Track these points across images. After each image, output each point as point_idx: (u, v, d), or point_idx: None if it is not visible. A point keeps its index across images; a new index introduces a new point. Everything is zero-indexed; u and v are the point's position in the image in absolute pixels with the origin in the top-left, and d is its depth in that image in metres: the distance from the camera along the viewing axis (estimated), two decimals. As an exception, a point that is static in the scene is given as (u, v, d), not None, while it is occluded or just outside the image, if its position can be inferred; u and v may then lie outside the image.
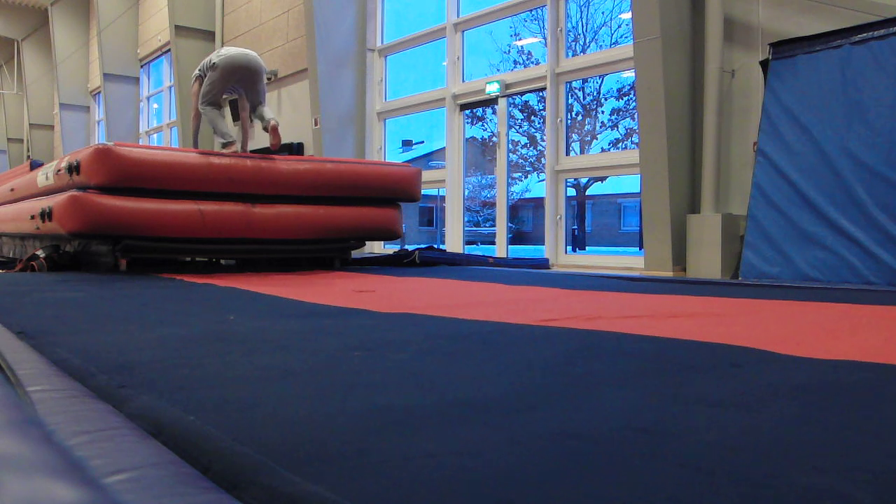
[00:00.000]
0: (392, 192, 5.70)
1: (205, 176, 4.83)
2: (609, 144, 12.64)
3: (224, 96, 5.48)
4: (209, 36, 11.66)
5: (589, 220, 21.39)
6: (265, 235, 5.10)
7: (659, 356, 1.61)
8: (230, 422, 0.98)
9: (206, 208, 4.82)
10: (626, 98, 12.04)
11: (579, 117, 12.53)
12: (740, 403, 1.12)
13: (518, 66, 11.32)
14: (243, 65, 5.24)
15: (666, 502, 0.70)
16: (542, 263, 6.22)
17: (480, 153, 16.73)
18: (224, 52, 5.32)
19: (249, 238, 5.06)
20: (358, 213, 5.50)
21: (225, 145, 5.28)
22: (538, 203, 11.48)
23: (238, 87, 5.37)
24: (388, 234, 5.92)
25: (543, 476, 0.77)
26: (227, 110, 5.49)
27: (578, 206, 18.57)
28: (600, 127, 13.32)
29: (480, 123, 15.73)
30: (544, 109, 7.08)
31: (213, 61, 5.24)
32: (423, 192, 6.08)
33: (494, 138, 8.44)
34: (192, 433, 0.92)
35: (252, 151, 5.37)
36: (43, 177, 5.32)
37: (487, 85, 7.44)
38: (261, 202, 5.08)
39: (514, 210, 19.49)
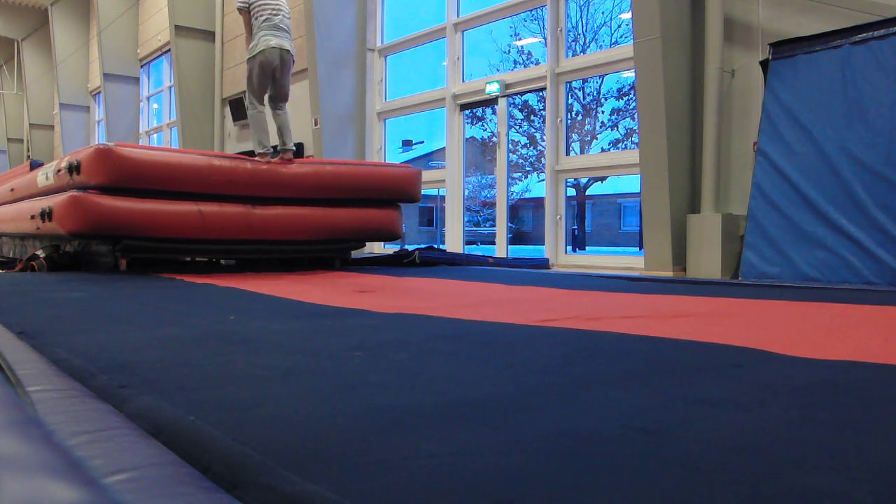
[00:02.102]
0: (392, 193, 5.70)
1: (205, 177, 4.82)
2: (609, 144, 12.65)
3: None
4: (209, 36, 11.67)
5: (589, 220, 21.39)
6: (265, 237, 5.10)
7: (659, 356, 1.61)
8: (230, 422, 0.98)
9: (207, 209, 4.82)
10: (626, 98, 12.05)
11: (579, 117, 12.54)
12: (740, 403, 1.12)
13: (518, 66, 11.33)
14: (276, 61, 5.17)
15: (666, 502, 0.70)
16: (542, 263, 6.22)
17: (480, 153, 16.73)
18: (258, 38, 5.16)
19: (249, 239, 5.06)
20: (358, 214, 5.50)
21: (260, 154, 5.23)
22: (538, 203, 11.48)
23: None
24: (389, 235, 5.92)
25: (543, 476, 0.77)
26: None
27: (578, 206, 18.58)
28: (600, 127, 13.33)
29: (480, 123, 15.75)
30: (544, 109, 7.09)
31: (252, 52, 5.14)
32: (423, 192, 6.08)
33: (494, 138, 8.44)
34: (192, 433, 0.92)
35: (245, 153, 5.36)
36: (43, 177, 5.32)
37: (487, 85, 7.44)
38: (261, 204, 5.07)
39: (514, 210, 19.50)
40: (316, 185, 5.28)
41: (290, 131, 5.36)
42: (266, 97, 5.35)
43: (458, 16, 7.99)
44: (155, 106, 15.27)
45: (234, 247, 5.12)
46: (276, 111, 5.35)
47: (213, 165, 4.90)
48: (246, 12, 5.25)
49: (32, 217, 5.03)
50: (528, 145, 16.23)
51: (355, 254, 6.21)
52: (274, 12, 5.19)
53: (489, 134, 15.34)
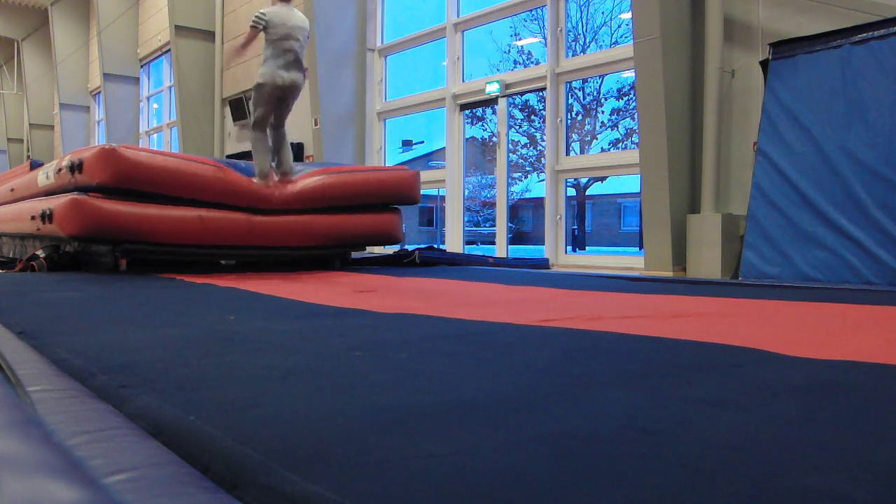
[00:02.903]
0: (392, 197, 5.69)
1: (208, 186, 4.79)
2: (609, 144, 12.65)
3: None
4: (209, 36, 11.66)
5: (589, 220, 21.39)
6: (266, 243, 5.09)
7: (659, 356, 1.61)
8: (230, 422, 0.98)
9: (207, 215, 4.80)
10: (626, 98, 12.05)
11: (579, 117, 12.54)
12: (741, 403, 1.12)
13: (518, 66, 11.32)
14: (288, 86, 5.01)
15: (666, 502, 0.70)
16: (542, 263, 6.22)
17: (480, 153, 16.74)
18: (270, 68, 4.99)
19: (250, 245, 5.05)
20: (359, 220, 5.49)
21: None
22: (538, 203, 11.48)
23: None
24: (389, 240, 5.91)
25: (543, 476, 0.77)
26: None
27: (578, 206, 18.58)
28: (600, 127, 13.33)
29: (480, 123, 15.75)
30: (544, 109, 7.09)
31: (259, 79, 4.99)
32: (423, 192, 6.07)
33: (494, 138, 8.44)
34: (192, 433, 0.92)
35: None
36: (43, 176, 5.32)
37: (487, 85, 7.44)
38: (262, 212, 5.06)
39: (514, 210, 19.49)
40: (317, 196, 5.26)
41: (288, 151, 5.27)
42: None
43: (458, 16, 7.99)
44: (155, 106, 15.27)
45: (234, 252, 5.12)
46: (276, 130, 5.22)
47: (217, 176, 4.86)
48: (258, 31, 5.06)
49: (33, 218, 5.02)
50: (528, 145, 16.24)
51: (355, 254, 6.20)
52: (290, 41, 5.02)
53: (489, 134, 15.35)
